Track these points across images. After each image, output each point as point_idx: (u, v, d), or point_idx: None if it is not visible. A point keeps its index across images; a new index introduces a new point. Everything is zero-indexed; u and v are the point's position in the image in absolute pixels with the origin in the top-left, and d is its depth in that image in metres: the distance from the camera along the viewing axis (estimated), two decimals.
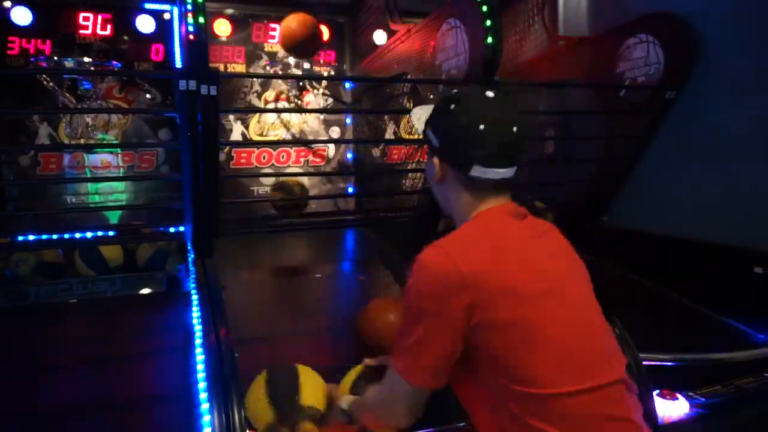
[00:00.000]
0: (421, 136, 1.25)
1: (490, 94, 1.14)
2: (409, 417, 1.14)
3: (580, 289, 1.15)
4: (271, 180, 4.75)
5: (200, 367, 1.97)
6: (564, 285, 1.11)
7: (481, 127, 1.09)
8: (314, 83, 4.74)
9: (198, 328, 2.33)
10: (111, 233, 3.32)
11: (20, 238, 2.97)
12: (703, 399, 2.08)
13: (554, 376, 1.00)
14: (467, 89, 1.22)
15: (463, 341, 1.03)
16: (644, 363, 1.92)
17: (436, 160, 1.18)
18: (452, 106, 1.14)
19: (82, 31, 4.06)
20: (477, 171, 1.11)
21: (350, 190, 4.99)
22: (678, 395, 2.04)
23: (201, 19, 2.32)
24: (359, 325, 2.26)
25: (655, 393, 1.97)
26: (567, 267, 1.17)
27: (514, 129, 1.13)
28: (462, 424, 1.61)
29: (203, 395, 1.81)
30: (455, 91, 1.24)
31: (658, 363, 2.19)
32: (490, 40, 2.76)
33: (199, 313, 2.42)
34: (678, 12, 3.13)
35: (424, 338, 1.04)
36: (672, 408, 2.00)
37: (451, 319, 1.01)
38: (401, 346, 1.09)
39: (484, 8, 2.77)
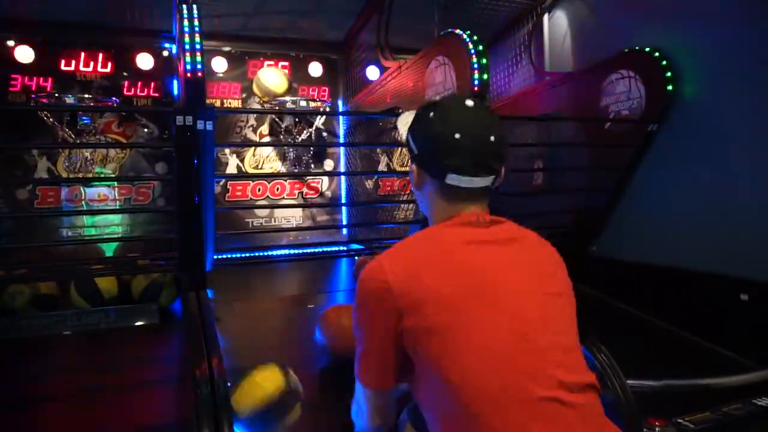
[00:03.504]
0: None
1: (469, 103, 1.16)
2: (375, 419, 1.17)
3: (530, 300, 1.07)
4: (265, 212, 4.82)
5: (193, 398, 1.98)
6: (504, 293, 1.06)
7: (457, 135, 1.10)
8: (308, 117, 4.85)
9: (191, 359, 2.34)
10: (106, 265, 3.35)
11: (16, 270, 3.01)
12: (692, 426, 2.09)
13: (479, 384, 0.98)
14: (448, 98, 1.23)
15: (398, 345, 1.08)
16: (632, 390, 1.94)
17: (414, 167, 1.21)
18: (431, 114, 1.16)
19: (82, 69, 4.18)
20: (452, 179, 1.13)
21: (343, 221, 5.05)
22: (666, 422, 2.06)
23: (198, 57, 2.41)
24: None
25: (643, 420, 1.99)
26: (520, 277, 1.09)
27: (492, 138, 1.12)
28: None
29: (195, 426, 1.81)
30: (436, 98, 1.26)
31: (647, 390, 2.21)
32: (477, 76, 2.87)
33: (192, 345, 2.43)
34: (657, 48, 3.27)
35: (366, 343, 1.11)
36: None
37: (383, 325, 1.07)
38: (359, 356, 1.15)
39: (471, 46, 2.89)
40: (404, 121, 1.35)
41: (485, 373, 0.99)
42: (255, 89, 4.64)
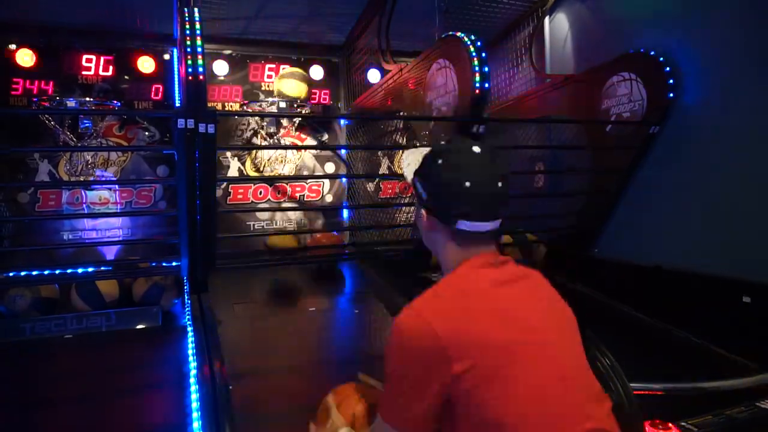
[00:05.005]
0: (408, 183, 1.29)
1: (476, 149, 1.17)
2: None
3: (558, 335, 1.15)
4: (267, 215, 4.82)
5: (194, 400, 1.98)
6: (539, 331, 1.11)
7: (467, 184, 1.12)
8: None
9: (193, 362, 2.34)
10: (107, 268, 3.35)
11: (17, 273, 3.00)
12: (695, 429, 2.09)
13: (536, 423, 1.02)
14: (455, 143, 1.25)
15: (444, 396, 1.06)
16: (636, 393, 1.94)
17: (423, 212, 1.22)
18: (439, 161, 1.17)
19: (84, 72, 4.19)
20: (462, 225, 1.15)
21: (344, 224, 5.04)
22: (670, 425, 2.05)
23: (200, 61, 2.42)
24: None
25: (647, 423, 1.98)
26: (544, 313, 1.16)
27: (499, 184, 1.15)
28: None
29: (197, 427, 1.81)
30: (443, 143, 1.25)
31: (650, 392, 2.20)
32: (478, 79, 2.87)
33: (193, 347, 2.43)
34: (659, 50, 3.27)
35: (408, 394, 1.07)
36: None
37: (431, 379, 1.04)
38: (388, 397, 1.12)
39: (472, 49, 2.89)
40: (407, 161, 1.31)
41: (539, 412, 1.03)
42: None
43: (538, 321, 1.13)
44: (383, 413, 1.13)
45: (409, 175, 1.27)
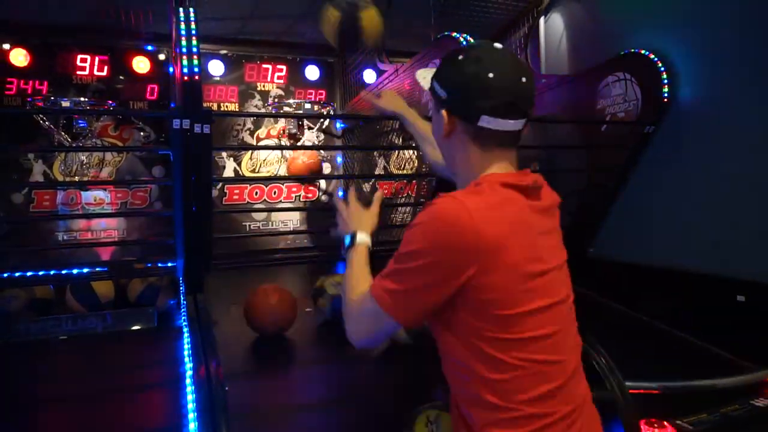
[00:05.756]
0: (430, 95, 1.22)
1: (498, 45, 1.12)
2: (366, 339, 1.13)
3: (562, 282, 1.13)
4: (263, 215, 4.82)
5: (190, 401, 1.98)
6: (556, 278, 1.10)
7: (490, 75, 1.06)
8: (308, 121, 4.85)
9: (189, 363, 2.33)
10: (102, 269, 3.34)
11: (12, 274, 2.99)
12: (690, 427, 2.10)
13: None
14: (476, 42, 1.23)
15: (452, 297, 1.02)
16: (631, 391, 1.95)
17: (444, 113, 1.13)
18: (460, 57, 1.11)
19: (78, 72, 4.17)
20: (485, 121, 1.08)
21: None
22: (665, 423, 2.06)
23: (195, 61, 2.41)
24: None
25: (642, 421, 1.99)
26: (560, 259, 1.14)
27: (523, 79, 1.08)
28: None
29: (193, 428, 1.81)
30: (464, 44, 1.23)
31: (646, 391, 2.21)
32: None
33: (190, 348, 2.43)
34: (653, 50, 3.28)
35: (414, 280, 1.03)
36: None
37: (449, 275, 1.00)
38: (392, 275, 1.06)
39: None
40: (423, 75, 1.27)
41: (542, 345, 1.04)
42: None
43: (556, 267, 1.11)
44: (376, 287, 1.07)
45: (426, 84, 1.22)
